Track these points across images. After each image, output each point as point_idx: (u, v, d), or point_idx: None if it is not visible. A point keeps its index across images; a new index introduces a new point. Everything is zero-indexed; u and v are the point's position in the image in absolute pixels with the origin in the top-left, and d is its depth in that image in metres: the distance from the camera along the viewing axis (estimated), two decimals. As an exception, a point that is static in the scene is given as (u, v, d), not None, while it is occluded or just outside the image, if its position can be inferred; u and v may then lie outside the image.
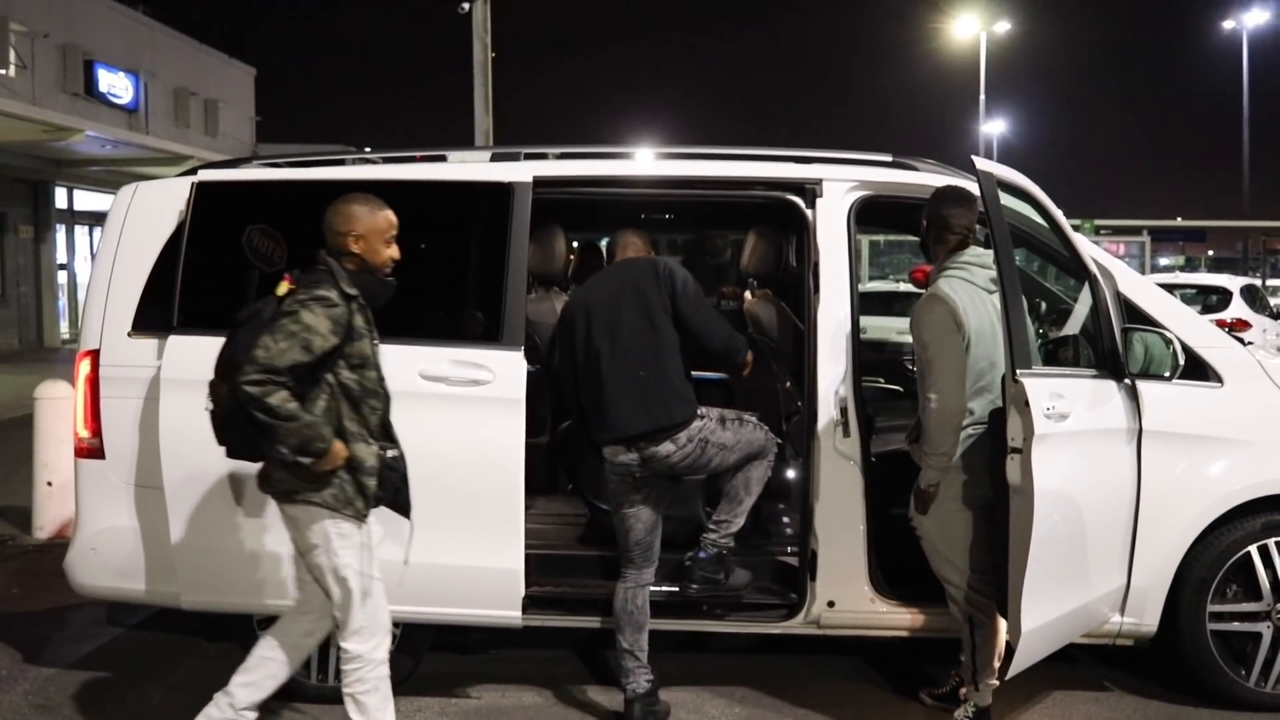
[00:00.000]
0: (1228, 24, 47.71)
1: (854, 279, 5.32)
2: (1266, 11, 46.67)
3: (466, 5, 16.62)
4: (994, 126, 52.97)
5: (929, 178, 5.40)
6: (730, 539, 5.26)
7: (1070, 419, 4.60)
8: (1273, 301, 22.77)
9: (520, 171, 5.29)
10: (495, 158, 5.53)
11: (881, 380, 7.54)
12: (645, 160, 5.61)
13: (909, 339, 5.45)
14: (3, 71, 24.97)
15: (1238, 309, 18.58)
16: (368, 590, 4.31)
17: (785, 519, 5.96)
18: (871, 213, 5.53)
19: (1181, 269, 44.67)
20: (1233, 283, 20.10)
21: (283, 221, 5.27)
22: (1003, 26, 47.93)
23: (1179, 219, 51.61)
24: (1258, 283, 23.47)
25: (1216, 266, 47.10)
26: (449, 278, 5.39)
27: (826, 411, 5.20)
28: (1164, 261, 47.53)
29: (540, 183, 5.27)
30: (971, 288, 4.74)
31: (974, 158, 4.59)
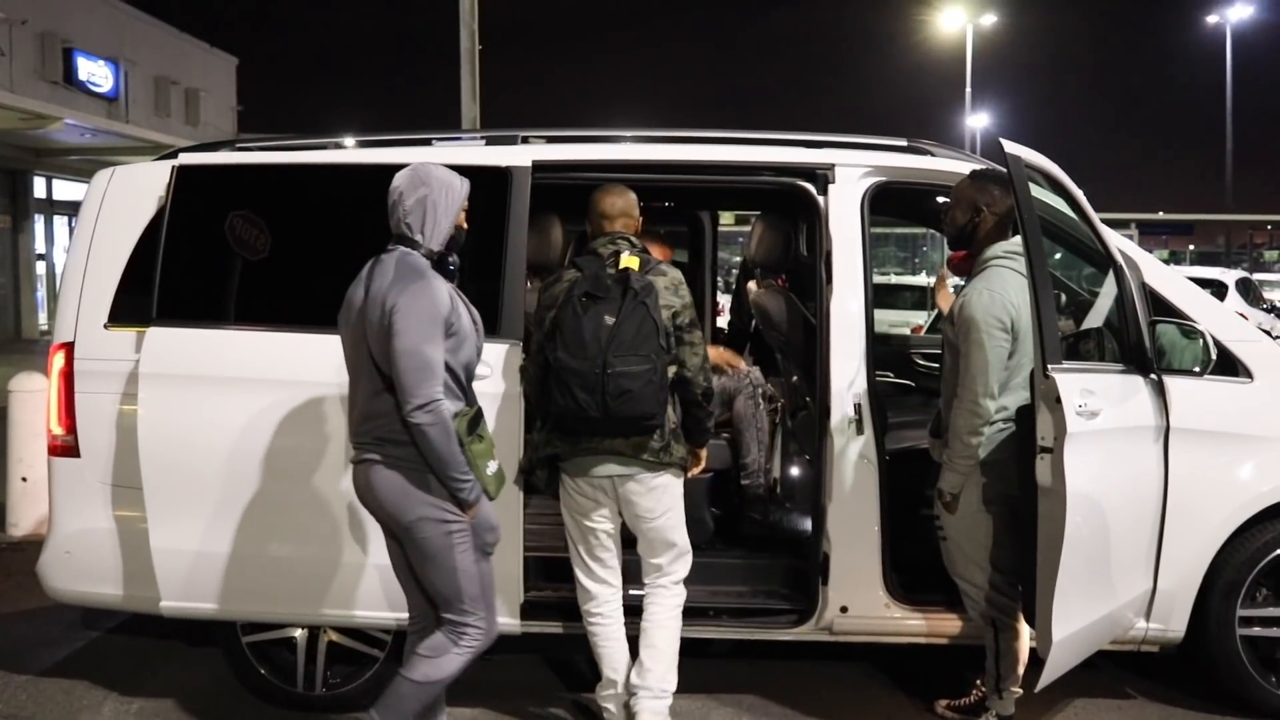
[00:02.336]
0: (1211, 18, 47.79)
1: (868, 269, 5.08)
2: (1249, 6, 46.78)
3: (453, -9, 16.35)
4: (978, 120, 52.78)
5: (945, 163, 5.17)
6: (758, 476, 5.66)
7: (1100, 416, 4.37)
8: (1268, 296, 22.57)
9: (519, 156, 5.04)
10: (491, 142, 5.25)
11: (891, 375, 7.28)
12: (651, 145, 5.35)
13: (904, 331, 5.25)
14: (-20, 59, 24.61)
15: (1233, 303, 18.34)
16: None
17: (795, 520, 5.71)
18: (881, 201, 5.28)
19: (1165, 263, 44.45)
20: (1228, 276, 19.92)
21: (265, 207, 5.03)
22: (989, 19, 47.83)
23: (1160, 213, 51.57)
24: (1252, 276, 23.22)
25: (1200, 260, 47.01)
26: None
27: (840, 408, 4.96)
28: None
29: (540, 167, 5.02)
30: (1020, 280, 4.49)
31: (1002, 140, 4.34)
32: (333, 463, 4.79)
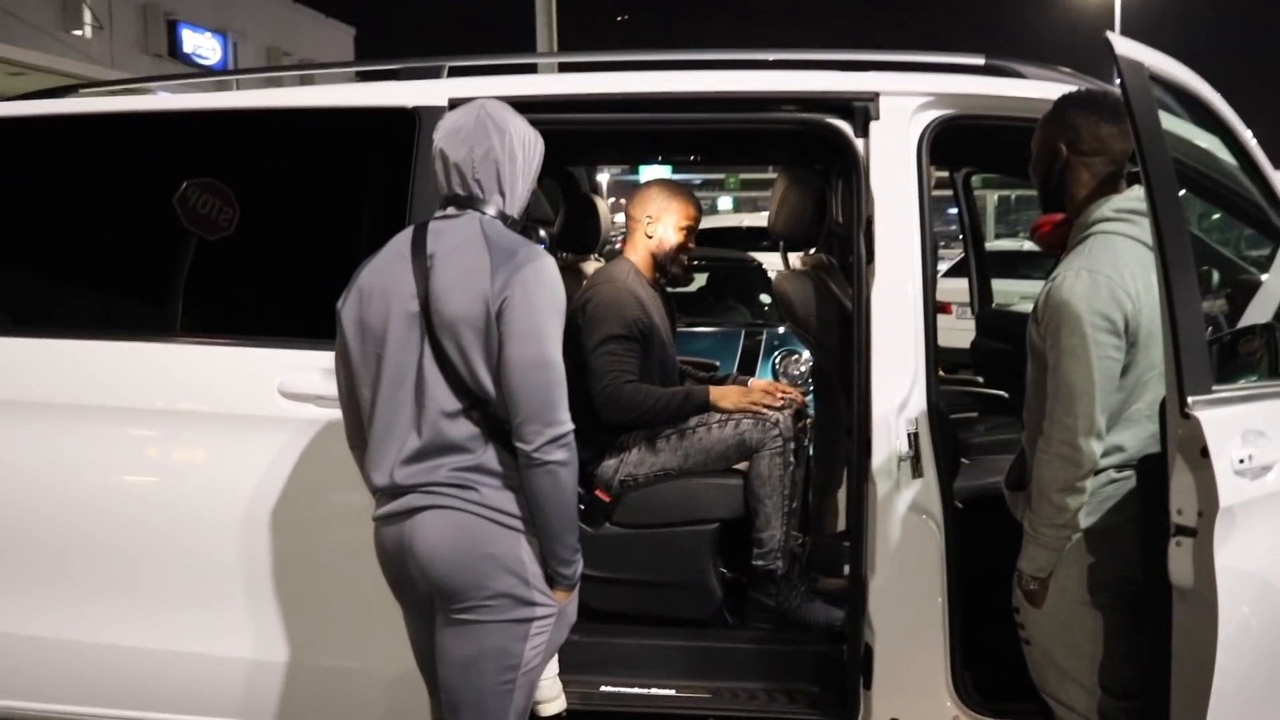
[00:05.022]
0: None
1: (928, 240, 3.57)
2: None
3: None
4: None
5: (1042, 87, 3.59)
6: (776, 557, 4.18)
7: (1273, 472, 2.80)
8: None
9: (432, 93, 3.62)
10: (406, 75, 3.84)
11: (980, 381, 5.63)
12: (625, 74, 3.87)
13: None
14: (78, 33, 24.26)
15: None
16: None
17: (821, 610, 4.25)
18: (948, 143, 3.75)
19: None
20: None
21: (113, 169, 3.78)
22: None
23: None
24: None
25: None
26: (322, 250, 3.76)
27: (885, 440, 3.48)
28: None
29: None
30: (1144, 252, 2.93)
31: (1110, 35, 2.74)
32: (148, 515, 3.57)
